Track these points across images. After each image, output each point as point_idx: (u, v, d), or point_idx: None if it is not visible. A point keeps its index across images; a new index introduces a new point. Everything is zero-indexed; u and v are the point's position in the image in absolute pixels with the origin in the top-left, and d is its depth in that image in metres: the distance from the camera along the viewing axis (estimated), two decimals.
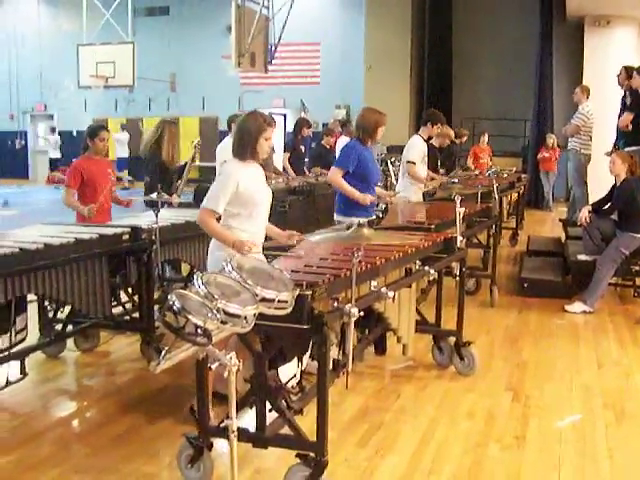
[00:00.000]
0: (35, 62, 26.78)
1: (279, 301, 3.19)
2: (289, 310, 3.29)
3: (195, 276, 3.02)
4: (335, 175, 6.72)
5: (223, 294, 2.96)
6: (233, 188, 4.60)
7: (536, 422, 5.05)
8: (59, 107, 27.20)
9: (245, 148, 4.73)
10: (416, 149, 8.73)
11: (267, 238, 4.94)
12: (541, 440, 4.76)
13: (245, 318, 2.97)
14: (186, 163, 8.01)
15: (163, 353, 2.85)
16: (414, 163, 8.59)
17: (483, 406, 5.32)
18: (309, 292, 3.53)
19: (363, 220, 4.48)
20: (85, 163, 6.98)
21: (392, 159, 13.70)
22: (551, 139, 18.05)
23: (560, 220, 12.04)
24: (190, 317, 2.79)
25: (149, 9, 25.23)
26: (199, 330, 2.82)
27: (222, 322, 2.88)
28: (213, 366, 3.01)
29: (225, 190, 4.60)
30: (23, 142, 28.51)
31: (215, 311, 2.86)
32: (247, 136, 4.73)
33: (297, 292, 3.38)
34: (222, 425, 3.84)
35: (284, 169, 11.97)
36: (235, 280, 3.14)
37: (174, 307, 2.81)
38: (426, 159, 8.90)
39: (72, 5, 23.10)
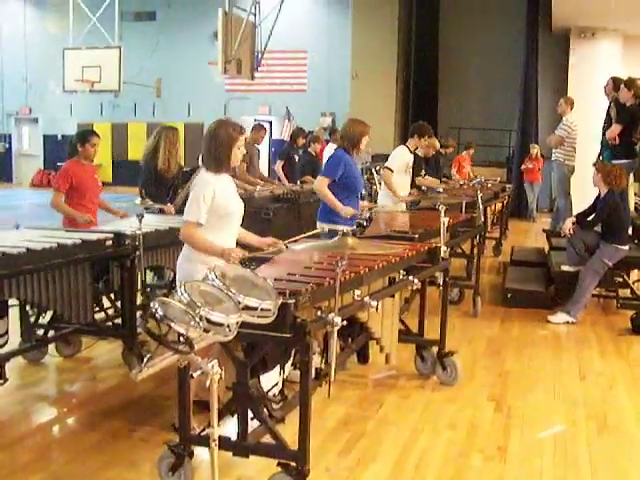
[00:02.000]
0: (21, 65, 26.69)
1: (262, 309, 3.17)
2: (272, 318, 3.27)
3: (178, 284, 3.00)
4: (321, 184, 6.76)
5: (206, 302, 2.94)
6: (211, 198, 4.53)
7: (518, 433, 5.05)
8: (44, 111, 27.10)
9: (220, 160, 4.62)
10: (399, 159, 8.73)
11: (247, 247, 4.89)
12: (523, 451, 4.76)
13: (228, 326, 2.95)
14: (192, 170, 7.98)
15: (145, 361, 2.83)
16: (391, 170, 8.57)
17: (465, 416, 5.32)
18: (292, 300, 3.52)
19: (347, 229, 4.45)
20: (75, 167, 6.97)
21: (377, 167, 13.73)
22: (535, 149, 18.10)
23: (544, 230, 12.08)
24: (172, 325, 2.77)
25: (136, 14, 25.18)
26: (181, 338, 2.81)
27: (205, 330, 2.86)
28: (195, 374, 2.98)
29: (205, 200, 4.51)
30: (7, 145, 28.39)
31: (198, 319, 2.84)
32: (220, 148, 4.60)
33: (280, 301, 3.37)
34: (203, 433, 3.83)
35: (278, 177, 12.04)
36: (218, 288, 3.12)
37: (157, 315, 2.79)
38: (411, 170, 8.89)
39: (58, 8, 23.01)
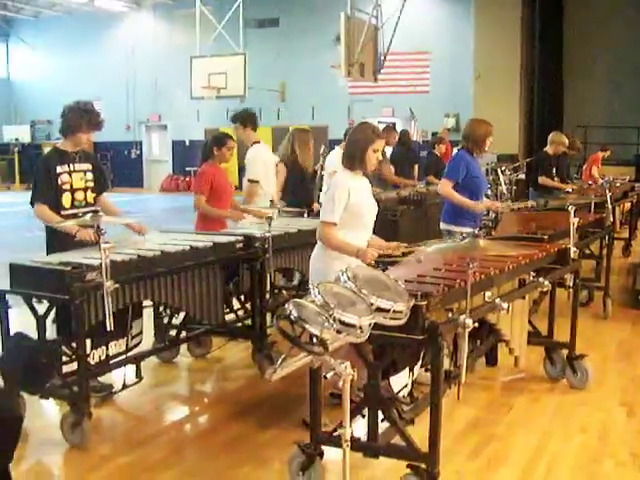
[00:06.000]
0: (150, 74, 27.65)
1: (394, 311, 3.19)
2: (404, 320, 3.29)
3: (311, 285, 3.05)
4: (445, 186, 6.72)
5: (339, 304, 2.98)
6: (346, 198, 4.66)
7: None
8: (173, 117, 27.88)
9: (354, 159, 4.78)
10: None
11: None
12: None
13: (360, 328, 2.98)
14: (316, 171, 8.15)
15: (280, 361, 2.89)
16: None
17: (596, 420, 5.21)
18: (424, 302, 3.53)
19: (477, 231, 4.43)
20: (213, 170, 7.04)
21: (502, 168, 13.57)
22: None
23: None
24: (307, 326, 2.82)
25: (259, 21, 25.58)
26: (315, 339, 2.85)
27: (338, 331, 2.90)
28: (328, 375, 3.02)
29: (340, 200, 4.65)
30: (138, 152, 29.33)
31: (331, 320, 2.88)
32: (355, 147, 4.78)
33: (412, 302, 3.38)
34: (335, 434, 3.86)
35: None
36: (350, 290, 3.15)
37: (291, 316, 2.84)
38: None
39: (186, 19, 23.73)
